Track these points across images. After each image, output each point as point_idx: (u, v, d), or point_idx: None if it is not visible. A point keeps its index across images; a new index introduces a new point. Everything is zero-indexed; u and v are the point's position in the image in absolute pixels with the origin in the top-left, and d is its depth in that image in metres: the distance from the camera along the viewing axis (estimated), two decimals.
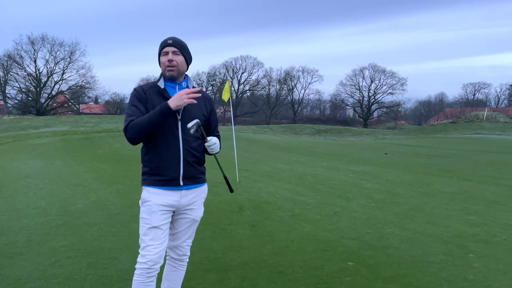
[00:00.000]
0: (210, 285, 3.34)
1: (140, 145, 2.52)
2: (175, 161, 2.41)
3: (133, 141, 2.38)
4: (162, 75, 2.50)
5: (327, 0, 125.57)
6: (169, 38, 2.44)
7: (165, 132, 2.39)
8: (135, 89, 2.47)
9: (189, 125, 2.33)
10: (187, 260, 2.71)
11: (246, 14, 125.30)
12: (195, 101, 2.34)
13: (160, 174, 2.41)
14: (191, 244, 2.69)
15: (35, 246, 4.17)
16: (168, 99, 2.39)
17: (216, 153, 2.52)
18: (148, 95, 2.42)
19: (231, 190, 2.70)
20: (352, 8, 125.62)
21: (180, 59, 2.43)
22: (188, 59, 2.50)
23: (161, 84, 2.45)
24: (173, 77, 2.43)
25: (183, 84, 2.50)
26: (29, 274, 3.47)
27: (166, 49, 2.41)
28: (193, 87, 2.53)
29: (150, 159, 2.44)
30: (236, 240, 4.48)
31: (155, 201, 2.40)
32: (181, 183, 2.44)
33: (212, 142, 2.45)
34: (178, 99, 2.29)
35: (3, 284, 3.27)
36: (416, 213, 5.74)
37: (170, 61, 2.39)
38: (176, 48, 2.42)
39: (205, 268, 3.65)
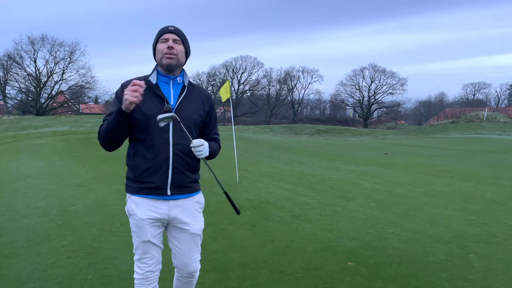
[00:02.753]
0: (210, 285, 3.34)
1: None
2: (163, 168, 2.16)
3: (105, 148, 2.15)
4: (155, 67, 2.24)
5: (327, 2, 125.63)
6: (170, 26, 2.21)
7: (154, 134, 2.14)
8: (121, 85, 2.18)
9: (159, 116, 2.01)
10: (197, 274, 2.44)
11: (246, 15, 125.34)
12: (135, 99, 1.97)
13: (144, 182, 2.17)
14: (199, 258, 2.41)
15: (35, 246, 4.16)
16: (160, 96, 2.16)
17: (205, 158, 2.20)
18: None
19: (237, 212, 2.38)
20: (352, 9, 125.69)
21: (180, 48, 2.19)
22: (188, 51, 2.27)
23: (153, 79, 2.19)
24: (171, 66, 2.16)
25: (178, 79, 2.24)
26: (29, 274, 3.47)
27: (166, 35, 2.17)
28: (189, 82, 2.29)
29: (135, 164, 2.19)
30: (236, 240, 4.47)
31: (140, 215, 2.18)
32: (169, 192, 2.19)
33: (199, 143, 2.14)
34: (124, 98, 1.97)
35: (3, 284, 3.27)
36: (416, 213, 5.74)
37: (170, 48, 2.14)
38: (177, 36, 2.19)
39: (205, 268, 3.64)
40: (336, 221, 5.30)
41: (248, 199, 6.44)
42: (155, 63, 2.26)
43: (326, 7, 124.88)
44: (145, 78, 2.19)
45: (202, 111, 2.29)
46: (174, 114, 2.05)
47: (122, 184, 7.40)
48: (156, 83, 2.20)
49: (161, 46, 2.17)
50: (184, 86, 2.26)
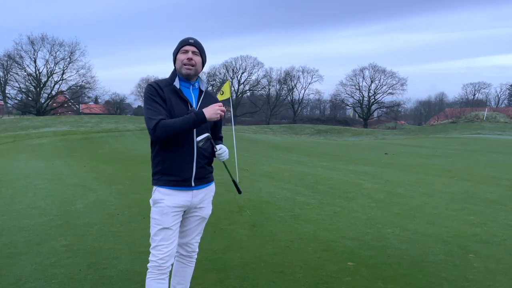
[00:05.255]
0: (210, 285, 3.34)
1: (148, 144, 2.56)
2: (188, 163, 2.44)
3: (161, 140, 2.37)
4: (175, 73, 2.50)
5: (327, 2, 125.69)
6: (190, 38, 2.47)
7: None
8: (151, 86, 2.43)
9: (199, 138, 2.37)
10: (196, 256, 2.76)
11: (246, 15, 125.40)
12: (223, 114, 2.42)
13: (173, 175, 2.43)
14: (199, 240, 2.73)
15: (35, 246, 4.17)
16: (184, 99, 2.43)
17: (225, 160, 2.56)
18: (166, 93, 2.41)
19: (239, 191, 2.75)
20: (352, 9, 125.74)
21: (198, 59, 2.46)
22: (204, 62, 2.54)
23: (177, 84, 2.46)
24: (189, 76, 2.45)
25: (196, 85, 2.53)
26: (29, 274, 3.47)
27: (186, 47, 2.44)
28: (206, 88, 2.58)
29: (163, 159, 2.44)
30: (236, 240, 4.47)
31: (167, 203, 2.43)
32: (193, 184, 2.48)
33: (222, 150, 2.51)
34: (213, 112, 2.36)
35: (3, 284, 3.27)
36: (416, 213, 5.74)
37: (189, 59, 2.41)
38: (196, 48, 2.45)
39: (205, 268, 3.65)
40: (336, 221, 5.30)
41: (248, 199, 6.44)
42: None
43: (326, 7, 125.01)
44: (169, 82, 2.48)
45: None
46: (208, 134, 2.42)
47: (122, 184, 7.44)
48: (180, 88, 2.47)
49: (181, 57, 2.44)
50: (201, 91, 2.56)
